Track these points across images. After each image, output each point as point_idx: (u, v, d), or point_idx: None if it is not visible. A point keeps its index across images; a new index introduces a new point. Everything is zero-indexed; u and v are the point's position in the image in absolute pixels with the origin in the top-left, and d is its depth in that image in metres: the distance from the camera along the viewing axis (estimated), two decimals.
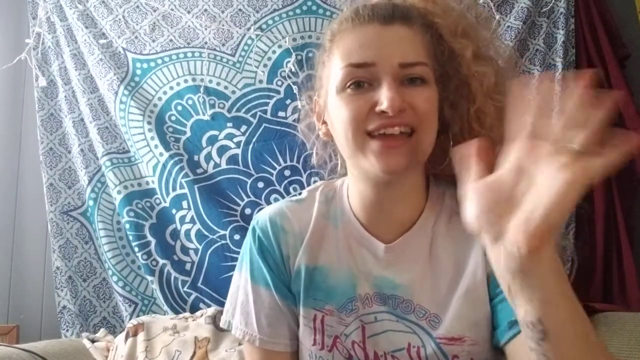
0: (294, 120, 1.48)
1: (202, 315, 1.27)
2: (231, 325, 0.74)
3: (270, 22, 1.54)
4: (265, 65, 1.52)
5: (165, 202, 1.47)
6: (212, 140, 1.49)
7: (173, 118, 1.51)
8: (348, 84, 0.63)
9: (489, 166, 0.45)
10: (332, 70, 0.66)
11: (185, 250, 1.45)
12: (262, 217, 0.76)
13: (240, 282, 0.75)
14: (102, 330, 1.37)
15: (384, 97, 0.60)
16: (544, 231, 0.39)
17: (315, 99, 0.76)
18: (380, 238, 0.70)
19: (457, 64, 0.66)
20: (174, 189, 1.47)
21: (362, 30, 0.64)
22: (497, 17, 1.47)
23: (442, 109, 0.67)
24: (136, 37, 1.55)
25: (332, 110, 0.67)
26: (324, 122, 0.73)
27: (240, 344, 1.19)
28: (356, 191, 0.71)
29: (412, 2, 0.69)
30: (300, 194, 0.80)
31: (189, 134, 1.50)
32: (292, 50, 1.50)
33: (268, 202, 1.45)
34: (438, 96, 0.66)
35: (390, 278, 0.70)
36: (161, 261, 1.43)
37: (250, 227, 0.76)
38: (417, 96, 0.62)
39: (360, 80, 0.63)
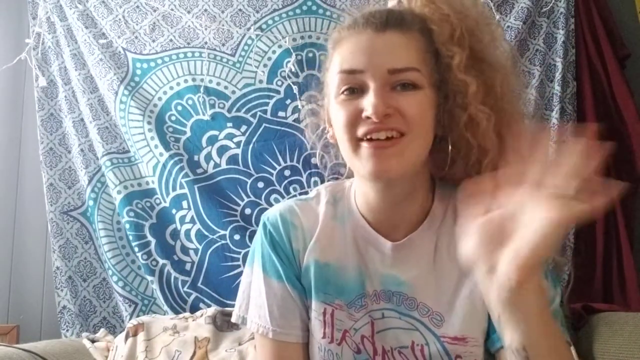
0: (294, 120, 1.48)
1: (202, 315, 1.27)
2: (245, 320, 0.76)
3: (270, 22, 1.54)
4: (265, 65, 1.52)
5: (165, 202, 1.47)
6: (212, 140, 1.49)
7: (173, 118, 1.51)
8: (342, 89, 0.66)
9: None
10: (331, 76, 0.69)
11: (185, 250, 1.45)
12: (272, 213, 0.78)
13: (252, 276, 0.77)
14: (102, 330, 1.37)
15: (368, 103, 0.62)
16: (531, 264, 0.46)
17: (325, 103, 0.78)
18: (387, 237, 0.72)
19: (450, 70, 0.66)
20: (174, 189, 1.47)
21: (357, 37, 0.67)
22: (497, 17, 1.47)
23: (439, 114, 0.68)
24: (136, 37, 1.55)
25: (332, 115, 0.70)
26: (332, 126, 0.75)
27: (240, 344, 1.19)
28: (361, 192, 0.74)
29: (412, 7, 0.70)
30: (308, 192, 0.83)
31: (189, 134, 1.50)
32: (292, 50, 1.50)
33: (268, 202, 1.45)
34: (435, 102, 0.66)
35: (396, 275, 0.71)
36: (161, 261, 1.43)
37: (261, 223, 0.78)
38: (406, 101, 0.63)
39: (352, 87, 0.65)
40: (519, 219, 0.47)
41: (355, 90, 0.65)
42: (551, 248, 0.45)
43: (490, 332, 0.68)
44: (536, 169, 0.47)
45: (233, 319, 0.78)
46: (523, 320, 0.49)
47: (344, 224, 0.75)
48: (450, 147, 0.68)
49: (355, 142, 0.65)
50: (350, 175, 0.80)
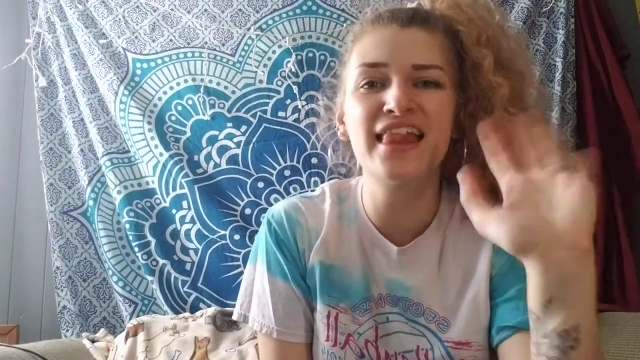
0: (294, 120, 1.48)
1: (202, 315, 1.27)
2: (247, 318, 0.75)
3: (270, 22, 1.54)
4: (265, 65, 1.52)
5: (165, 202, 1.47)
6: (212, 140, 1.49)
7: (173, 118, 1.51)
8: (361, 83, 0.64)
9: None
10: (350, 70, 0.68)
11: (185, 250, 1.45)
12: (277, 210, 0.76)
13: (256, 274, 0.75)
14: (102, 330, 1.37)
15: (391, 97, 0.60)
16: (589, 228, 0.46)
17: (337, 99, 0.76)
18: (393, 240, 0.71)
19: (477, 72, 0.66)
20: (174, 189, 1.47)
21: (380, 31, 0.65)
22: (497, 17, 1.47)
23: (458, 116, 0.67)
24: (136, 37, 1.55)
25: (347, 109, 0.68)
26: (343, 122, 0.73)
27: (240, 344, 1.19)
28: (369, 192, 0.72)
29: (439, 8, 0.69)
30: (313, 190, 0.81)
31: (189, 134, 1.50)
32: (292, 50, 1.50)
33: (268, 202, 1.45)
34: (455, 103, 0.66)
35: (402, 280, 0.70)
36: (161, 261, 1.43)
37: (265, 221, 0.77)
38: (428, 98, 0.62)
39: (373, 80, 0.64)
40: (543, 200, 0.47)
41: (375, 84, 0.63)
42: (595, 209, 0.46)
43: (489, 329, 0.68)
44: (511, 156, 0.50)
45: (234, 317, 0.77)
46: (580, 296, 0.47)
47: (350, 224, 0.74)
48: (465, 151, 0.67)
49: (372, 139, 0.62)
50: (358, 173, 0.79)
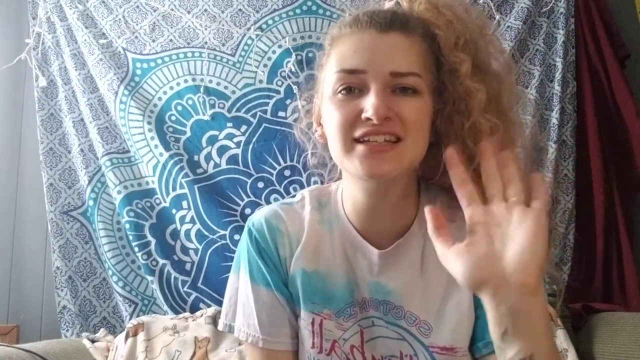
0: (294, 120, 1.48)
1: (202, 315, 1.28)
2: (233, 328, 0.74)
3: (270, 22, 1.54)
4: (265, 65, 1.52)
5: (165, 202, 1.47)
6: (212, 140, 1.49)
7: (173, 118, 1.51)
8: (339, 88, 0.63)
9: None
10: (328, 74, 0.67)
11: (185, 250, 1.45)
12: (257, 218, 0.76)
13: (240, 283, 0.75)
14: (102, 330, 1.37)
15: (370, 105, 0.60)
16: (538, 266, 0.50)
17: (315, 101, 0.76)
18: (375, 244, 0.70)
19: (454, 77, 0.65)
20: (174, 189, 1.47)
21: (358, 36, 0.64)
22: (497, 17, 1.47)
23: (435, 121, 0.66)
24: (136, 37, 1.55)
25: (325, 114, 0.67)
26: (320, 125, 0.73)
27: (240, 344, 1.19)
28: (349, 196, 0.72)
29: (417, 11, 0.68)
30: (293, 196, 0.80)
31: (189, 134, 1.50)
32: (292, 50, 1.50)
33: (268, 202, 1.45)
34: (432, 108, 0.65)
35: (383, 284, 0.70)
36: (161, 261, 1.43)
37: (246, 229, 0.76)
38: (406, 106, 0.61)
39: (351, 86, 0.63)
40: (498, 236, 0.52)
41: (353, 90, 0.63)
42: (546, 247, 0.50)
43: (475, 340, 0.68)
44: (474, 189, 0.54)
45: (220, 327, 0.76)
46: (532, 328, 0.50)
47: (332, 229, 0.73)
48: (444, 156, 0.67)
49: (350, 143, 0.62)
50: (338, 178, 0.78)
